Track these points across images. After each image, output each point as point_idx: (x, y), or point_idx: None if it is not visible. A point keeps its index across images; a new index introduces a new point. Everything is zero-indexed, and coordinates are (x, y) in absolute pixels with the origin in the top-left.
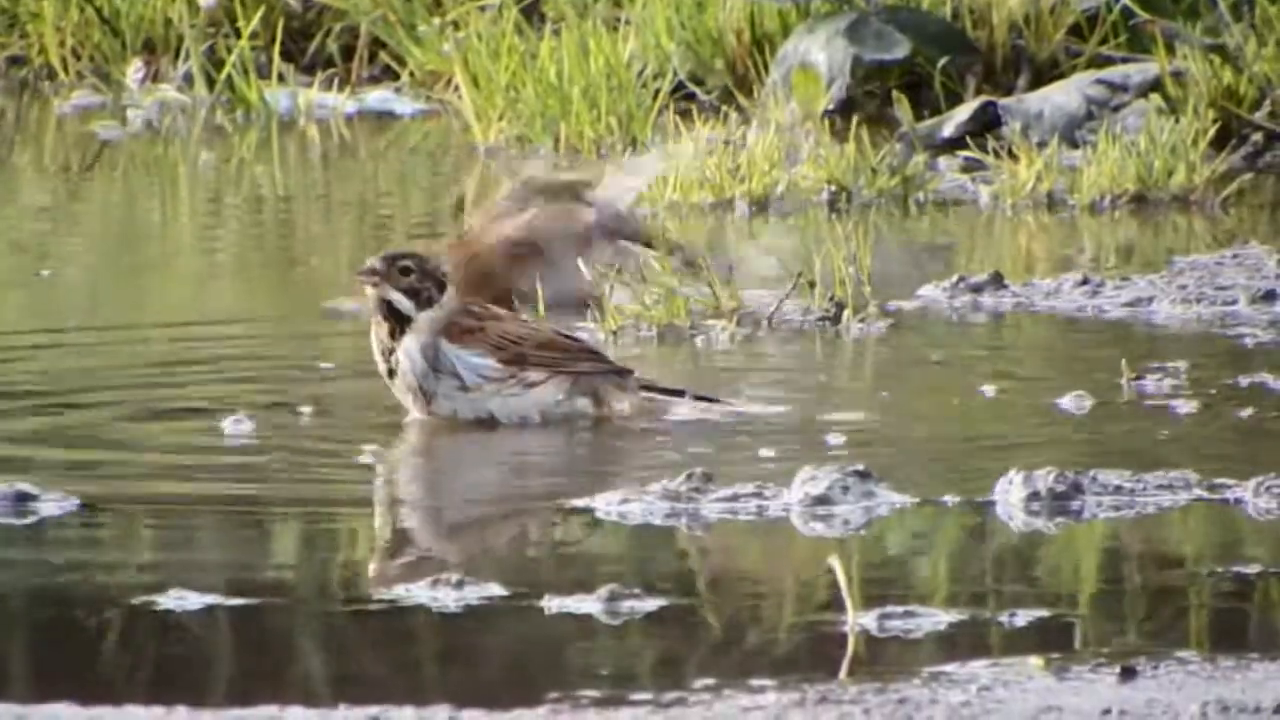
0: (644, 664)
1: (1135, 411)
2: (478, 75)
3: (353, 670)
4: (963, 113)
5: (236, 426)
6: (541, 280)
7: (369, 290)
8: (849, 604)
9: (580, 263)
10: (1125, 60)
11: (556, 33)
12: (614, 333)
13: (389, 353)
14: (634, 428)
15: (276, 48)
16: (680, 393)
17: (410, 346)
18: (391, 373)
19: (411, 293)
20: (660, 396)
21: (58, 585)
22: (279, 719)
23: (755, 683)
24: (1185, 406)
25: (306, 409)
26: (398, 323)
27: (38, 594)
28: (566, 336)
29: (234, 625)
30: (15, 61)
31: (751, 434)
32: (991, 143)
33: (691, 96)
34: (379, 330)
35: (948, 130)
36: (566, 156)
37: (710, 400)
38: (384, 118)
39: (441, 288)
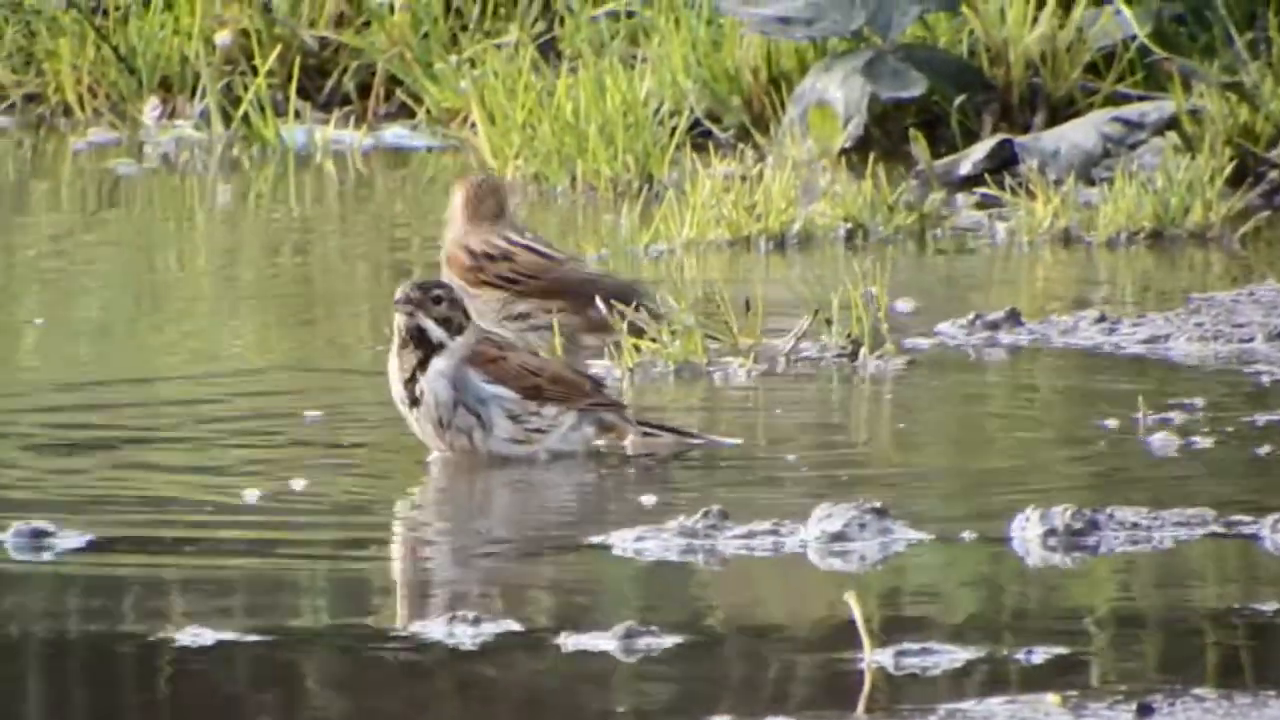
0: (660, 701)
1: (1152, 448)
2: (494, 113)
3: (369, 707)
4: (979, 150)
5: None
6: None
7: (401, 320)
8: (866, 641)
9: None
10: (1142, 98)
11: (573, 70)
12: (631, 370)
13: (411, 382)
14: (650, 465)
15: (293, 85)
16: (677, 431)
17: (438, 373)
18: (415, 402)
19: (444, 321)
20: (658, 433)
21: (73, 622)
22: None
23: (772, 719)
24: (1202, 443)
25: (324, 449)
26: (427, 351)
27: (53, 631)
28: (575, 372)
29: (250, 663)
30: (32, 99)
31: (767, 471)
32: (1008, 180)
33: (708, 134)
34: (403, 360)
35: (964, 168)
36: (583, 194)
37: (705, 440)
38: (400, 154)
39: (468, 316)
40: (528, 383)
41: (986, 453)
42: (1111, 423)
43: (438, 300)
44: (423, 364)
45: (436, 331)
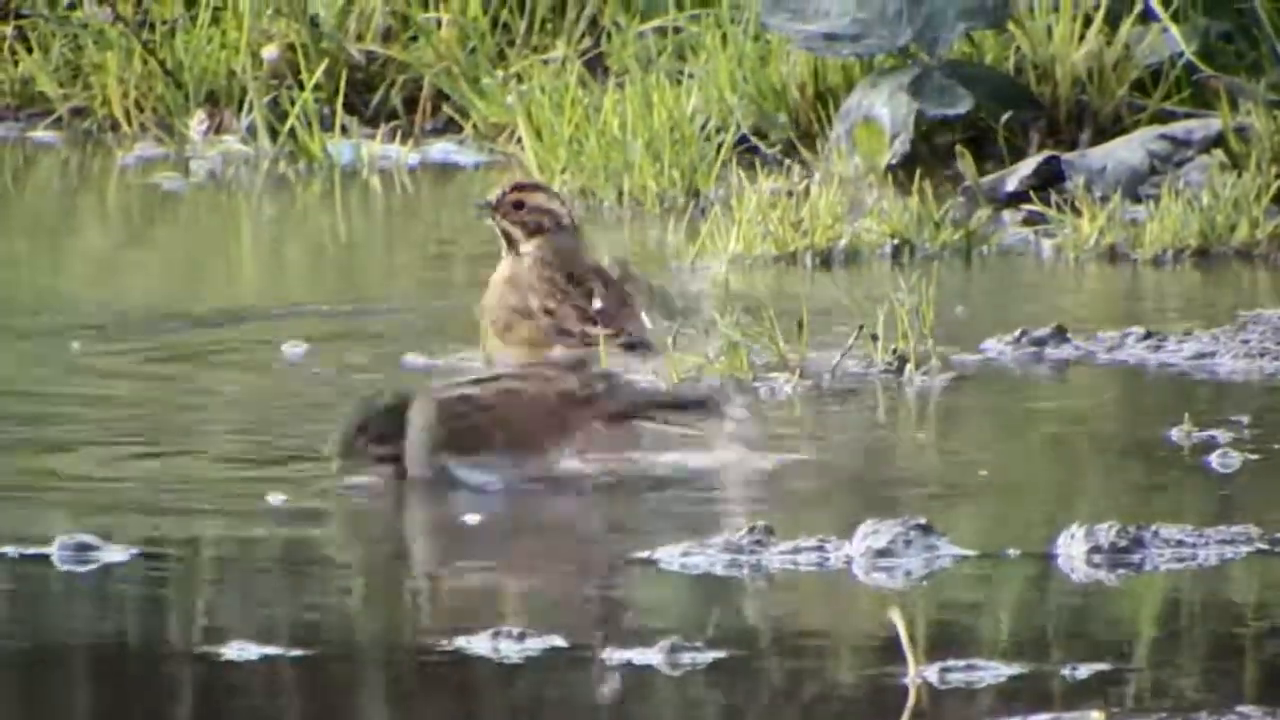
0: (705, 716)
1: (1198, 465)
2: (541, 128)
3: None
4: (1026, 167)
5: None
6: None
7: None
8: (910, 657)
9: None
10: (1188, 115)
11: (620, 86)
12: (677, 385)
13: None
14: (695, 481)
15: (340, 100)
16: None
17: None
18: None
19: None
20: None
21: (118, 636)
22: None
23: None
24: (1247, 460)
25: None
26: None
27: (98, 644)
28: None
29: (295, 677)
30: (78, 113)
31: (813, 487)
32: (1054, 197)
33: (754, 150)
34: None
35: (1011, 184)
36: (629, 209)
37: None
38: (447, 169)
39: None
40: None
41: (1031, 469)
42: (1157, 440)
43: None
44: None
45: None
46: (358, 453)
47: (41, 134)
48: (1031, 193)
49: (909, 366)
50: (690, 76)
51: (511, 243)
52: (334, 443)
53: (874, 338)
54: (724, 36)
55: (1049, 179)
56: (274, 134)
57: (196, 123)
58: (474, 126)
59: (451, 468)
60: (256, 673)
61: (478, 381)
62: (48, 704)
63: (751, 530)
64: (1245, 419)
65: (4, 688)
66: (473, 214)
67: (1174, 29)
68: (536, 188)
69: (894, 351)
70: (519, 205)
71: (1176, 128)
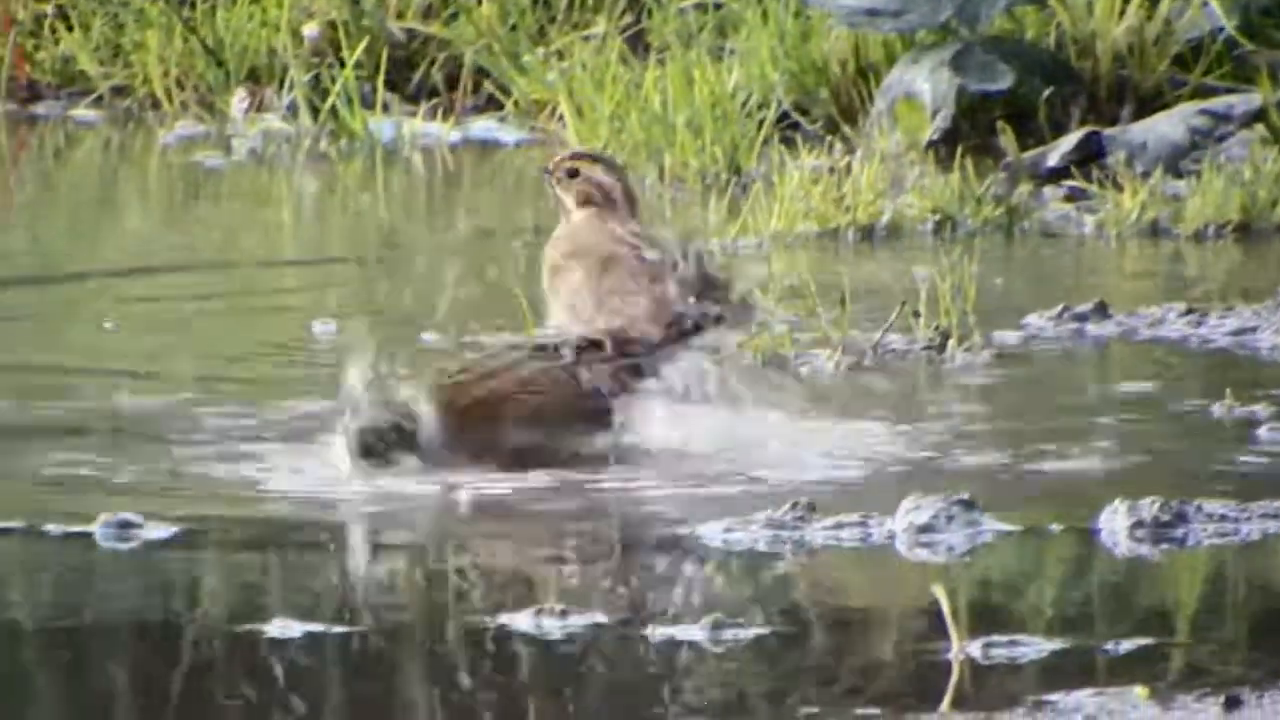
0: (748, 692)
1: (1240, 440)
2: (582, 105)
3: (458, 699)
4: (1067, 143)
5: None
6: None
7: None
8: (953, 633)
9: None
10: (1229, 91)
11: (661, 62)
12: (719, 363)
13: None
14: (738, 458)
15: (380, 78)
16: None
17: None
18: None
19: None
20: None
21: (160, 614)
22: None
23: (859, 712)
24: None
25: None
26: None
27: (140, 622)
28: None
29: (338, 655)
30: (119, 91)
31: (856, 463)
32: (1096, 173)
33: (796, 126)
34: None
35: (1052, 160)
36: (670, 186)
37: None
38: (488, 147)
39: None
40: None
41: (1074, 444)
42: (1198, 415)
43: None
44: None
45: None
46: (376, 454)
47: (82, 113)
48: (1073, 168)
49: (951, 343)
50: (731, 53)
51: (565, 210)
52: (350, 449)
53: (916, 314)
54: (765, 12)
55: (1090, 155)
56: (315, 112)
57: (237, 101)
58: (515, 104)
59: (472, 451)
60: (299, 650)
61: (489, 360)
62: (91, 682)
63: (794, 506)
64: None
65: (47, 665)
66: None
67: (1215, 3)
68: (596, 159)
69: (936, 328)
70: (573, 174)
71: (1217, 103)
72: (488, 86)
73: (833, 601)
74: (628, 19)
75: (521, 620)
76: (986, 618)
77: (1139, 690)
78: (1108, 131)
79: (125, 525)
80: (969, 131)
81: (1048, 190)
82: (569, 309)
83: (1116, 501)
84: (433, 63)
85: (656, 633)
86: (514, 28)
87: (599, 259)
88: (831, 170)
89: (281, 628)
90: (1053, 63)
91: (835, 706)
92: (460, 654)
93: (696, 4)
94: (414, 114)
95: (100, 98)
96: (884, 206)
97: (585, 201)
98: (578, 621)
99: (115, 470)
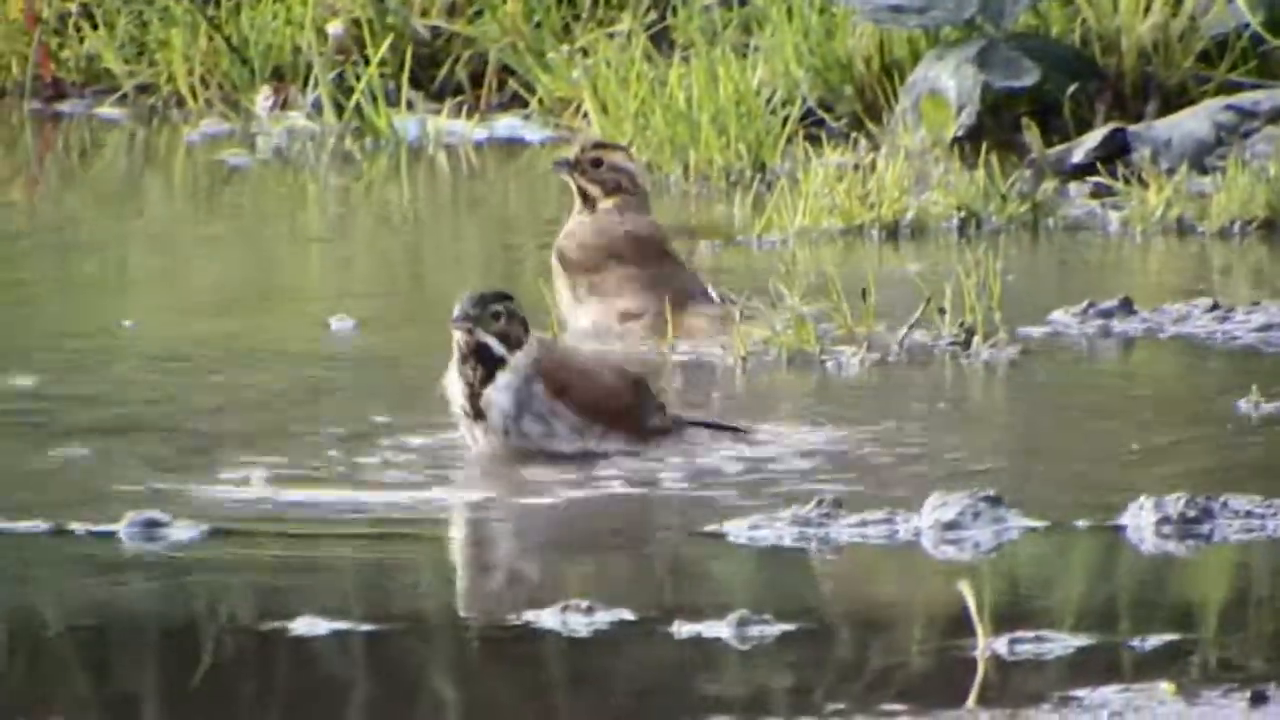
0: (774, 689)
1: (1266, 436)
2: (606, 102)
3: (484, 696)
4: (1092, 139)
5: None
6: None
7: (461, 337)
8: (979, 629)
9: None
10: (1254, 86)
11: (685, 60)
12: (743, 359)
13: (475, 397)
14: (766, 456)
15: (405, 75)
16: (718, 425)
17: (505, 387)
18: (479, 415)
19: (503, 337)
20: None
21: (187, 613)
22: None
23: (885, 708)
24: None
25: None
26: (490, 367)
27: (168, 621)
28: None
29: (365, 652)
30: (144, 89)
31: (881, 460)
32: (1121, 169)
33: (820, 123)
34: (465, 374)
35: (1077, 156)
36: (695, 183)
37: (744, 428)
38: (513, 144)
39: (526, 329)
40: (589, 406)
41: (1099, 441)
42: (1224, 411)
43: (496, 316)
44: (486, 379)
45: (498, 348)
46: (483, 319)
47: (107, 111)
48: (1098, 165)
49: (976, 339)
50: (756, 50)
51: (588, 200)
52: (466, 301)
53: (941, 311)
54: (790, 9)
55: (1115, 151)
56: (339, 110)
57: (262, 99)
58: (540, 101)
59: (540, 396)
60: (325, 647)
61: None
62: (118, 679)
63: (820, 503)
64: None
65: (74, 664)
66: (551, 172)
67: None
68: (616, 147)
69: (961, 324)
70: (597, 163)
71: (1243, 99)
72: (512, 84)
73: (858, 598)
74: (652, 16)
75: (548, 617)
76: (1012, 614)
77: (1165, 686)
78: (1133, 128)
79: (151, 524)
80: (994, 128)
81: (1073, 187)
82: (611, 306)
83: (1142, 498)
84: (457, 60)
85: (683, 629)
86: (539, 25)
87: (655, 255)
88: (856, 167)
89: (308, 625)
90: (1077, 59)
91: (861, 703)
92: (485, 651)
93: (721, 1)
94: (438, 112)
95: (125, 96)
96: (909, 203)
97: (615, 190)
98: (604, 618)
99: (141, 469)
